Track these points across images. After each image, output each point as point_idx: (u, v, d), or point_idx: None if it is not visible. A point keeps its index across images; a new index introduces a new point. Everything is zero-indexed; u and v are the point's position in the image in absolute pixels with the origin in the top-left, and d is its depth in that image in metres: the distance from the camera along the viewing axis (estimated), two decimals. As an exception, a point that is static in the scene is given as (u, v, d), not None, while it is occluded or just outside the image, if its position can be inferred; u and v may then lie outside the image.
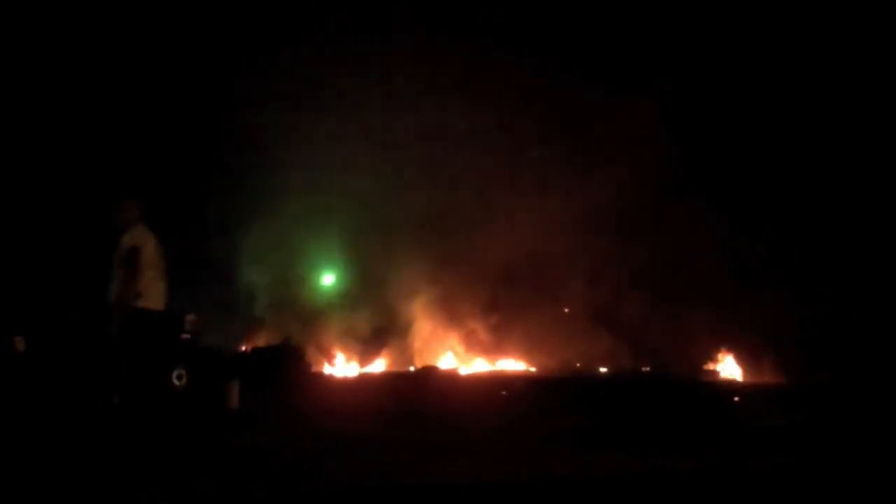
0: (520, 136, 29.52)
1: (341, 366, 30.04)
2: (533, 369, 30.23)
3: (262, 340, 28.78)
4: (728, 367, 29.70)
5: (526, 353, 30.68)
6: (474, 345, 30.77)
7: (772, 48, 29.98)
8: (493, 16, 28.98)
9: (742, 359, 29.62)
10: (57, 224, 24.98)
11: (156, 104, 27.80)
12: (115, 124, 27.33)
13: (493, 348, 30.78)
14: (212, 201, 28.40)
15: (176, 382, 16.71)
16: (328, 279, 32.29)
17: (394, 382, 25.46)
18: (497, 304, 30.72)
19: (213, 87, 28.36)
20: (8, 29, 25.56)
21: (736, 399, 22.12)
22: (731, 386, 26.71)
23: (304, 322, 29.92)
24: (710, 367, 29.80)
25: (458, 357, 30.65)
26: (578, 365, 29.85)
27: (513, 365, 30.69)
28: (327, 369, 29.37)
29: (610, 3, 30.00)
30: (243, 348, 28.51)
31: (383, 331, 30.79)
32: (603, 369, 29.83)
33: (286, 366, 24.49)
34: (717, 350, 30.02)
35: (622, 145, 29.20)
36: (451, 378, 27.46)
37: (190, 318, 17.26)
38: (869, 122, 29.18)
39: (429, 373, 27.87)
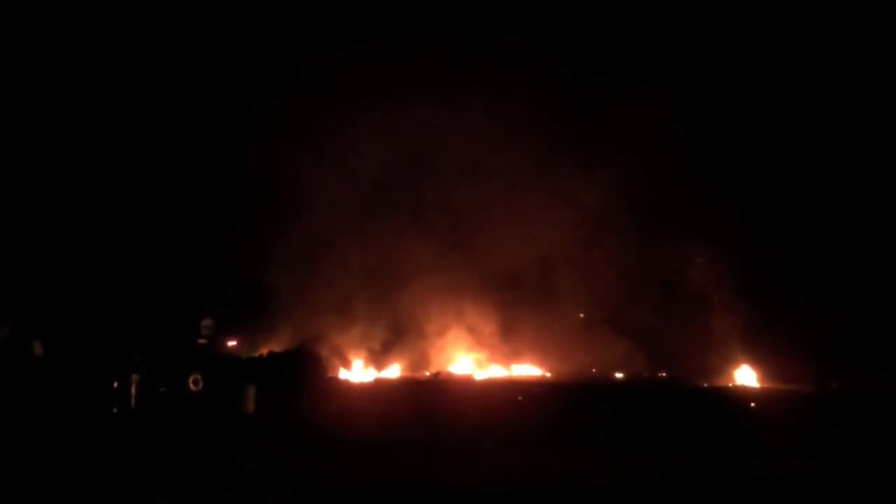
0: (533, 138, 29.41)
1: (357, 371, 30.00)
2: (548, 375, 30.11)
3: (278, 345, 28.74)
4: (744, 374, 29.46)
5: (541, 359, 30.56)
6: (489, 350, 30.67)
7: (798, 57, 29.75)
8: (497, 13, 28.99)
9: (758, 364, 29.36)
10: (79, 234, 25.25)
11: (180, 116, 28.14)
12: (146, 139, 27.75)
13: (508, 354, 30.67)
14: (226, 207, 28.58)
15: (192, 387, 16.82)
16: None
17: (409, 388, 25.44)
18: (512, 309, 30.58)
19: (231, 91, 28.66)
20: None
21: (752, 405, 21.99)
22: (747, 392, 26.51)
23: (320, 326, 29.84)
24: (727, 372, 29.57)
25: (473, 362, 30.57)
26: (594, 370, 29.70)
27: (528, 370, 30.58)
28: (343, 374, 29.35)
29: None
30: (260, 352, 28.49)
31: (398, 335, 30.66)
32: (619, 375, 29.67)
33: (303, 371, 24.51)
34: (734, 356, 29.77)
35: (640, 150, 29.10)
36: (467, 383, 27.42)
37: (206, 322, 17.35)
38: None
39: (444, 378, 27.84)
